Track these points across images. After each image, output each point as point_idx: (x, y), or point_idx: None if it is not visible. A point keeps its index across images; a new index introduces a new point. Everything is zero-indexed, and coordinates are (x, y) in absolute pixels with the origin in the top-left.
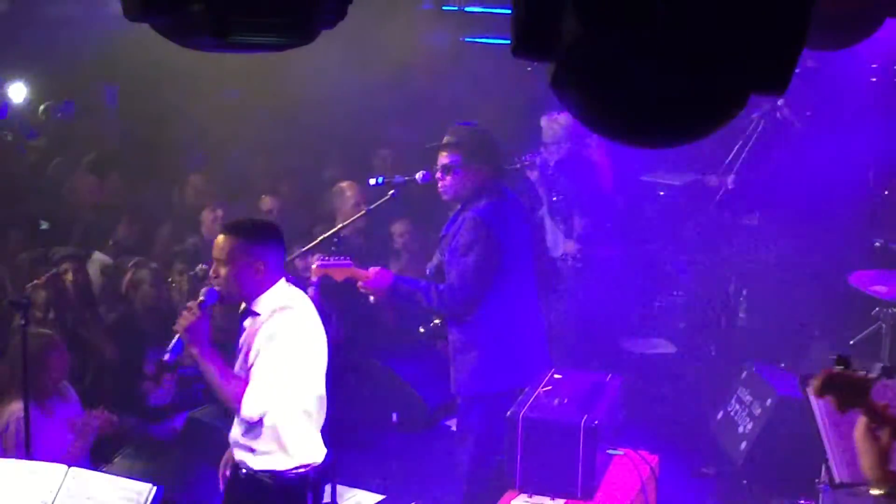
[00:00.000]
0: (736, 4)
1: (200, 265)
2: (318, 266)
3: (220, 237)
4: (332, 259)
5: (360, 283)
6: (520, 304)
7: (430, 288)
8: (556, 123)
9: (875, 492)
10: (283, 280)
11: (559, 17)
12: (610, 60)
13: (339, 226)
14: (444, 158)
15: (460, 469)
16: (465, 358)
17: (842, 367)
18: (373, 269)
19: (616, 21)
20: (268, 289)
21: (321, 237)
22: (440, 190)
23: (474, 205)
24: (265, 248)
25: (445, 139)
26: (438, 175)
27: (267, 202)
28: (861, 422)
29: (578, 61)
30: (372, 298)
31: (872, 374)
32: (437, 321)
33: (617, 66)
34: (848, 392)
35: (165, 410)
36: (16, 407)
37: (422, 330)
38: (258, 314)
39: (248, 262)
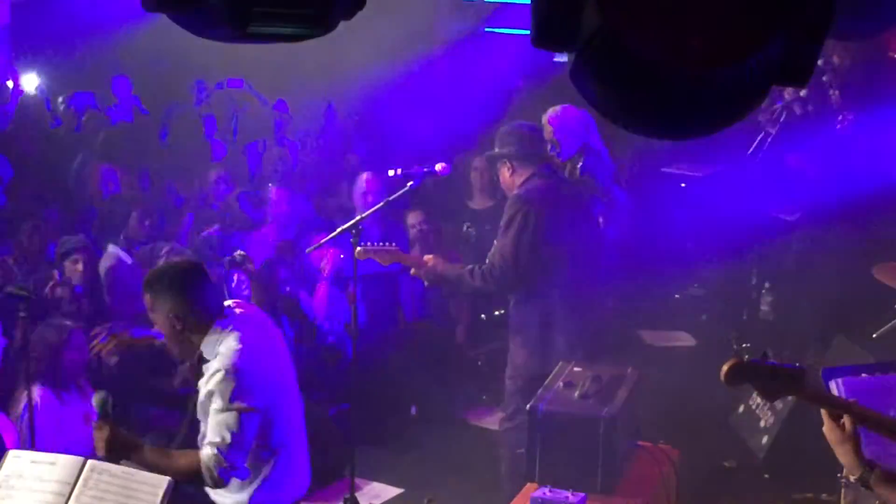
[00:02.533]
0: None
1: (238, 251)
2: (362, 250)
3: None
4: (377, 245)
5: (412, 270)
6: (566, 290)
7: (474, 269)
8: (558, 119)
9: (851, 477)
10: (217, 323)
11: (580, 8)
12: (630, 51)
13: (358, 217)
14: (499, 165)
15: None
16: (514, 342)
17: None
18: (427, 256)
19: (636, 11)
20: (203, 336)
21: (340, 228)
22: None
23: (520, 188)
24: (176, 299)
25: (496, 150)
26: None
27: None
28: (825, 417)
29: (598, 52)
30: (426, 283)
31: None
32: (500, 311)
33: (637, 57)
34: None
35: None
36: (32, 394)
37: (483, 317)
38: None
39: (168, 318)
